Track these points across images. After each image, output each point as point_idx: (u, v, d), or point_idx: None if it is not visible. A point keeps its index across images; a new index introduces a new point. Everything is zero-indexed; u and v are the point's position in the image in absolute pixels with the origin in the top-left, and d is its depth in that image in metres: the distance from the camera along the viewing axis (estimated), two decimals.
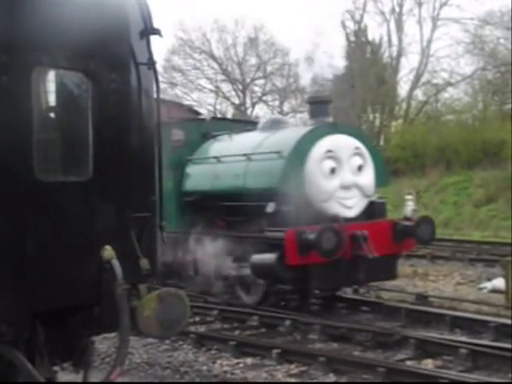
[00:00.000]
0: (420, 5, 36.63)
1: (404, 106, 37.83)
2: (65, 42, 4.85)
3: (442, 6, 36.31)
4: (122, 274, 4.98)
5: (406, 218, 11.87)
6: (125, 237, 5.28)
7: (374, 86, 35.76)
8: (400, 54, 37.41)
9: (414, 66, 37.16)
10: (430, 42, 36.47)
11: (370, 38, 37.82)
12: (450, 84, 36.72)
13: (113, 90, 5.19)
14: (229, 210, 12.11)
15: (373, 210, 11.51)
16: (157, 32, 5.80)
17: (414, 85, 37.05)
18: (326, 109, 11.74)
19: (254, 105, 41.60)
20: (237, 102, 41.93)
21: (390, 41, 37.61)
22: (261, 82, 41.91)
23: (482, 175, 26.93)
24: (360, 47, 37.18)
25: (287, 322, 10.24)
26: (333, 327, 9.82)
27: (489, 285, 13.07)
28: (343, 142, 11.19)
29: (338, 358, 8.33)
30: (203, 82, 42.41)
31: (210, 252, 11.61)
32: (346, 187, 11.01)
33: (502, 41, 34.97)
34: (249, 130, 13.10)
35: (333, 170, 10.94)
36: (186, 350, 9.39)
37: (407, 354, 8.62)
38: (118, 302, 4.97)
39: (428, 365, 8.25)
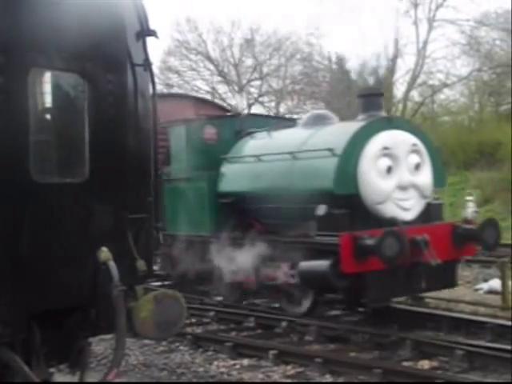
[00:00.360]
0: (416, 6, 36.66)
1: (400, 107, 37.80)
2: (61, 44, 4.85)
3: (437, 7, 36.30)
4: (119, 276, 4.99)
5: (467, 221, 10.97)
6: (121, 238, 5.28)
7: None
8: (396, 55, 37.42)
9: (410, 67, 37.17)
10: (425, 43, 36.48)
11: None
12: (446, 85, 36.72)
13: (109, 92, 5.19)
14: (269, 212, 11.13)
15: (429, 213, 10.58)
16: (153, 33, 5.81)
17: (410, 86, 37.05)
18: (379, 102, 10.80)
19: (250, 106, 41.58)
20: (233, 103, 41.94)
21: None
22: (257, 83, 41.92)
23: (479, 176, 26.95)
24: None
25: (284, 324, 10.23)
26: (329, 328, 9.82)
27: (485, 286, 13.07)
28: (400, 138, 10.25)
29: (335, 359, 8.34)
30: (199, 84, 42.36)
31: (248, 258, 10.71)
32: (403, 187, 10.08)
33: (497, 42, 35.01)
34: (288, 127, 12.09)
35: (389, 169, 9.99)
36: (182, 351, 9.38)
37: (403, 355, 8.62)
38: (115, 304, 4.97)
39: (424, 366, 8.26)
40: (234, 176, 11.85)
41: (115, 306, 4.96)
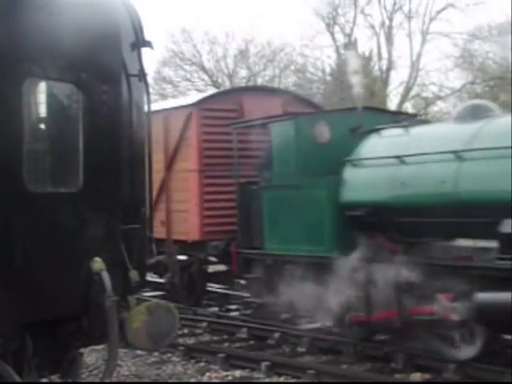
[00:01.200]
0: (410, 19, 36.87)
1: None
2: (56, 54, 4.86)
3: (431, 20, 36.57)
4: (112, 286, 4.98)
5: None
6: (114, 248, 5.28)
7: (364, 98, 35.90)
8: (390, 67, 37.60)
9: (404, 80, 37.37)
10: (419, 55, 36.68)
11: (360, 51, 38.04)
12: (439, 97, 36.92)
13: (104, 102, 5.21)
14: (415, 227, 8.99)
15: None
16: (148, 44, 5.83)
17: (404, 98, 37.22)
18: None
19: None
20: None
21: (379, 54, 37.83)
22: None
23: None
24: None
25: (276, 335, 10.21)
26: (322, 340, 9.81)
27: None
28: None
29: (327, 371, 8.33)
30: (194, 94, 42.47)
31: (388, 286, 8.71)
32: None
33: (490, 55, 35.24)
34: (425, 123, 10.22)
35: None
36: (174, 362, 9.35)
37: (396, 368, 8.61)
38: (107, 314, 4.96)
39: (416, 378, 8.25)
40: (364, 182, 9.61)
41: (108, 317, 4.96)
